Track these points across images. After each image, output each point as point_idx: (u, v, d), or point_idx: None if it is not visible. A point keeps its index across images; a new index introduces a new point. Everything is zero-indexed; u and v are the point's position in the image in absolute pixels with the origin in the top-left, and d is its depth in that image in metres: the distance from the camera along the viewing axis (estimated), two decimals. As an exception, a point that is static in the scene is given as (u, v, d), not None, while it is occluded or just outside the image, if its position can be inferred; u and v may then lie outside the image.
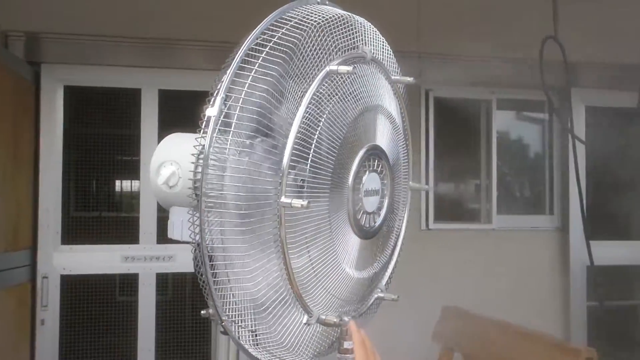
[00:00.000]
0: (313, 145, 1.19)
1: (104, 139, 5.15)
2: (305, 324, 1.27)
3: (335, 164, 1.24)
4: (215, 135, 1.14)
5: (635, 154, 5.54)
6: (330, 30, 1.26)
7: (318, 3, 1.34)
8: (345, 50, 1.30)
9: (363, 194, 1.33)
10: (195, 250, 1.17)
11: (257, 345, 1.25)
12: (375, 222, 1.40)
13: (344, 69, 1.23)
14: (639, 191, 5.59)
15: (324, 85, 1.22)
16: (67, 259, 4.50)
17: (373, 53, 1.40)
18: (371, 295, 1.52)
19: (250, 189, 1.15)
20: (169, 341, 4.81)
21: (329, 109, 1.23)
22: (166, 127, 4.48)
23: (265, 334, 1.23)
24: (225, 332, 1.21)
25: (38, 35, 4.31)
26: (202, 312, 1.32)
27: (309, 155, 1.19)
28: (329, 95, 1.24)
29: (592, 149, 5.13)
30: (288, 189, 1.15)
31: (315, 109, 1.21)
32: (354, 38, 1.33)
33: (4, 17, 4.13)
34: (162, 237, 4.48)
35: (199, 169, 1.13)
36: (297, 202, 1.12)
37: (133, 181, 5.45)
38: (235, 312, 1.20)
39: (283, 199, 1.13)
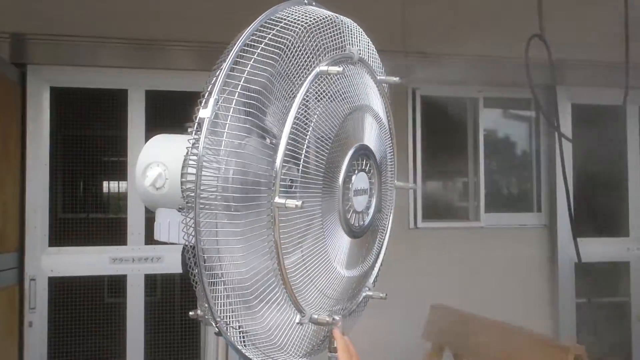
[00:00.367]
0: (305, 145, 1.20)
1: (91, 140, 5.14)
2: (298, 323, 1.27)
3: (327, 163, 1.25)
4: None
5: (621, 151, 5.57)
6: (319, 31, 1.27)
7: (305, 4, 1.35)
8: (333, 51, 1.31)
9: (353, 194, 1.34)
10: (184, 251, 1.17)
11: (249, 345, 1.25)
12: (364, 221, 1.41)
13: (334, 69, 1.23)
14: (626, 188, 5.62)
15: (313, 85, 1.23)
16: (55, 261, 4.49)
17: (360, 53, 1.40)
18: (360, 293, 1.53)
19: (243, 189, 1.15)
20: (157, 342, 4.80)
21: (319, 109, 1.24)
22: (153, 127, 4.48)
23: (258, 334, 1.24)
24: (219, 333, 1.20)
25: (24, 36, 4.29)
26: (190, 313, 1.32)
27: (301, 155, 1.19)
28: (319, 95, 1.24)
29: (579, 146, 5.15)
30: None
31: (307, 110, 1.21)
32: (341, 39, 1.34)
33: (-11, 18, 4.11)
34: (150, 238, 4.48)
35: (192, 171, 1.12)
36: (291, 203, 1.13)
37: (120, 182, 5.44)
38: (228, 312, 1.20)
39: (277, 200, 1.13)
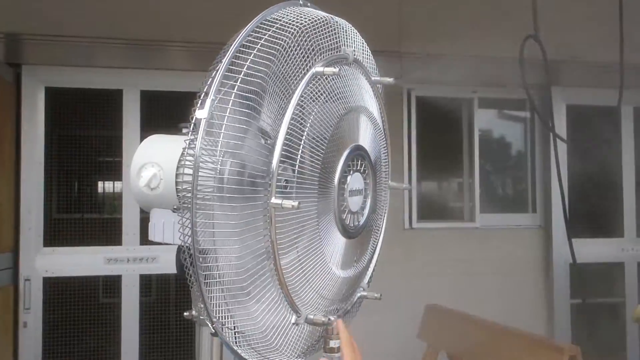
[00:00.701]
0: (301, 146, 1.20)
1: (86, 140, 5.14)
2: (293, 323, 1.27)
3: (322, 164, 1.25)
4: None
5: (615, 152, 5.58)
6: (314, 32, 1.27)
7: (301, 5, 1.35)
8: (328, 52, 1.31)
9: (348, 194, 1.34)
10: (180, 251, 1.17)
11: (245, 346, 1.25)
12: (358, 222, 1.41)
13: (329, 70, 1.24)
14: (620, 189, 5.63)
15: (309, 86, 1.23)
16: (50, 261, 4.49)
17: (355, 54, 1.40)
18: (354, 294, 1.53)
19: (239, 190, 1.15)
20: (152, 343, 4.80)
21: (315, 110, 1.24)
22: (148, 128, 4.48)
23: (254, 334, 1.24)
24: (215, 334, 1.21)
25: (19, 36, 4.29)
26: (185, 313, 1.32)
27: (296, 156, 1.19)
28: (314, 96, 1.24)
29: (574, 147, 5.16)
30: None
31: (302, 110, 1.21)
32: (336, 40, 1.34)
33: (-17, 18, 4.10)
34: (145, 238, 4.47)
35: (188, 171, 1.12)
36: (288, 203, 1.13)
37: (115, 183, 5.43)
38: (224, 313, 1.20)
39: (273, 200, 1.14)
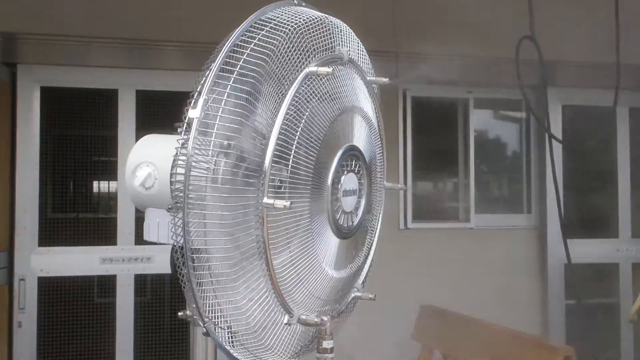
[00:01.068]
0: (294, 145, 1.20)
1: (82, 140, 5.13)
2: (286, 324, 1.27)
3: (316, 164, 1.25)
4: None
5: (611, 153, 5.59)
6: (309, 32, 1.27)
7: (295, 4, 1.35)
8: (322, 52, 1.31)
9: (342, 194, 1.34)
10: (174, 251, 1.17)
11: (238, 346, 1.25)
12: (352, 222, 1.41)
13: (323, 70, 1.23)
14: (616, 189, 5.64)
15: (303, 86, 1.23)
16: (45, 261, 4.48)
17: (349, 54, 1.40)
18: (348, 294, 1.53)
19: (231, 189, 1.15)
20: (147, 342, 4.79)
21: (309, 110, 1.24)
22: (144, 127, 4.47)
23: (246, 334, 1.23)
24: (207, 334, 1.20)
25: (14, 36, 4.28)
26: (179, 313, 1.31)
27: (290, 155, 1.19)
28: (308, 96, 1.24)
29: (569, 147, 5.16)
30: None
31: (296, 110, 1.21)
32: (330, 40, 1.34)
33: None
34: (140, 238, 4.46)
35: (181, 171, 1.12)
36: (280, 203, 1.13)
37: (110, 182, 5.43)
38: (216, 313, 1.20)
39: (265, 200, 1.13)
